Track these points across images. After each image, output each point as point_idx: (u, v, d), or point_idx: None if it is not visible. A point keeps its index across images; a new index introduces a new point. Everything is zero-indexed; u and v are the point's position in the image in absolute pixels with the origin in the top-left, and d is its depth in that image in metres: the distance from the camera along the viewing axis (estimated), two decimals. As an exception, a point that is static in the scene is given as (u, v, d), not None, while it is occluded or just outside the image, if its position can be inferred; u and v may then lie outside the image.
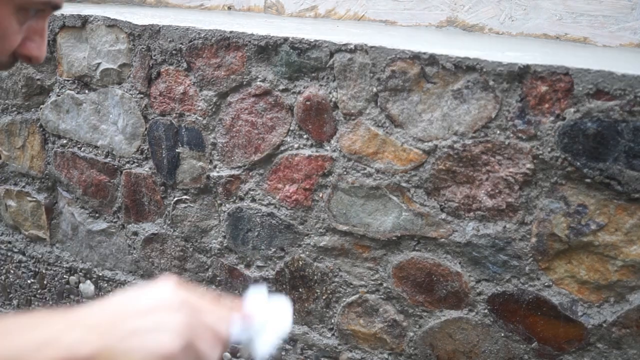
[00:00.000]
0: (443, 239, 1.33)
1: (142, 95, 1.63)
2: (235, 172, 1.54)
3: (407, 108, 1.29)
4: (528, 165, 1.20)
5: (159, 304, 0.61)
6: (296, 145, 1.44)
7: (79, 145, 1.79)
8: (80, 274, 1.92)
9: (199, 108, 1.54)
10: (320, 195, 1.44)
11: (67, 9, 1.74)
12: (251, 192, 1.53)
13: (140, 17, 1.64)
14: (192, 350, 0.60)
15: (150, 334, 0.59)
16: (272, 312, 0.76)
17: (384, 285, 1.43)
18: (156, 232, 1.71)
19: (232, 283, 1.64)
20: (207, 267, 1.67)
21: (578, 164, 1.16)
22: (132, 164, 1.71)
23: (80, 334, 0.57)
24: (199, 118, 1.55)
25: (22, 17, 0.70)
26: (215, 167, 1.57)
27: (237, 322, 0.71)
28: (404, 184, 1.34)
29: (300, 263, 1.52)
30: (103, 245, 1.83)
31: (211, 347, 0.63)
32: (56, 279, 1.98)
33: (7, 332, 0.57)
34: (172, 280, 0.65)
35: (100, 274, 1.87)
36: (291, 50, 1.37)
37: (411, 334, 1.44)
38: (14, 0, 0.67)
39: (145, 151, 1.67)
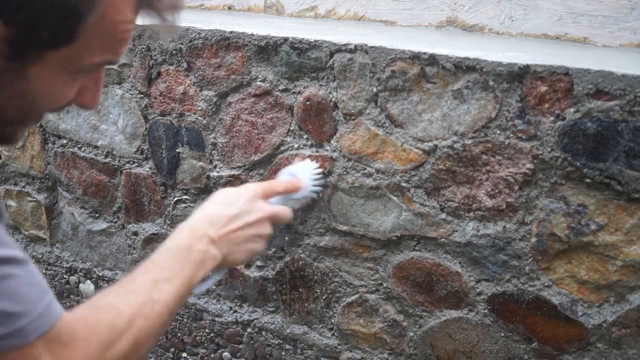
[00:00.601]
0: (443, 239, 1.33)
1: (142, 95, 1.63)
2: (235, 172, 1.54)
3: (407, 108, 1.29)
4: (528, 165, 1.20)
5: (255, 219, 0.94)
6: (296, 145, 1.44)
7: (79, 145, 1.79)
8: (80, 274, 1.92)
9: (199, 108, 1.54)
10: (320, 195, 1.44)
11: (67, 9, 1.74)
12: (251, 192, 1.53)
13: (140, 17, 1.64)
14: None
15: (251, 242, 0.95)
16: (308, 172, 1.21)
17: (384, 285, 1.43)
18: (156, 232, 1.71)
19: (232, 283, 1.64)
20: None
21: (578, 164, 1.16)
22: (132, 164, 1.71)
23: (215, 250, 0.88)
24: (199, 118, 1.55)
25: (77, 75, 0.69)
26: (215, 167, 1.57)
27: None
28: (404, 184, 1.34)
29: (300, 263, 1.52)
30: (103, 245, 1.83)
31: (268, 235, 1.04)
32: (56, 279, 1.98)
33: (174, 265, 0.82)
34: (256, 188, 0.99)
35: (101, 274, 1.87)
36: (291, 50, 1.37)
37: (411, 334, 1.44)
38: (67, 68, 0.66)
39: (145, 151, 1.67)
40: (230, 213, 0.91)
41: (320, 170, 1.25)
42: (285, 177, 1.12)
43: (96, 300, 0.78)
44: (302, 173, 1.15)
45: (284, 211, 0.99)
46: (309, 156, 1.41)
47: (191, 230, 0.87)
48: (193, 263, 0.83)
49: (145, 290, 0.78)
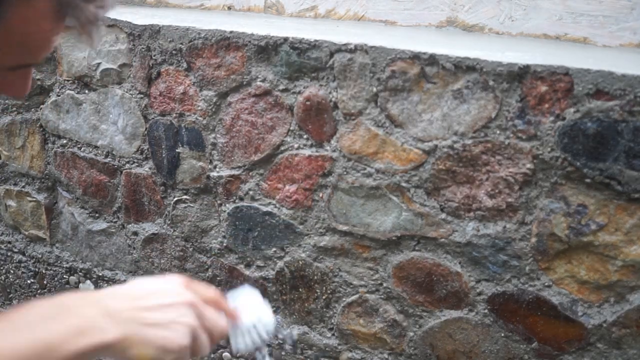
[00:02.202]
0: (443, 239, 1.33)
1: (142, 95, 1.63)
2: (235, 172, 1.54)
3: (407, 108, 1.29)
4: (528, 165, 1.20)
5: (177, 301, 0.71)
6: (296, 145, 1.44)
7: (79, 145, 1.79)
8: (80, 274, 1.92)
9: (199, 108, 1.54)
10: (320, 195, 1.44)
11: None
12: (251, 192, 1.53)
13: (140, 17, 1.65)
14: (196, 344, 0.72)
15: (165, 329, 0.68)
16: (256, 313, 0.84)
17: (384, 285, 1.43)
18: (156, 232, 1.71)
19: (232, 283, 1.64)
20: (207, 267, 1.67)
21: (578, 164, 1.16)
22: (132, 164, 1.71)
23: (108, 323, 0.65)
24: (199, 118, 1.55)
25: (2, 71, 0.71)
26: (215, 167, 1.57)
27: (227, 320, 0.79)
28: (404, 184, 1.34)
29: (300, 263, 1.52)
30: (103, 245, 1.83)
31: (208, 341, 0.74)
32: (56, 279, 1.98)
33: (40, 320, 0.62)
34: (182, 278, 0.76)
35: (100, 274, 1.87)
36: (291, 50, 1.37)
37: (411, 334, 1.44)
38: None
39: (145, 151, 1.67)
40: (142, 290, 0.72)
41: (269, 316, 0.88)
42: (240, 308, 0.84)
43: None
44: (249, 308, 0.85)
45: (215, 317, 0.76)
46: (309, 155, 1.41)
47: (84, 296, 0.68)
48: (66, 326, 0.62)
49: None
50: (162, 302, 0.70)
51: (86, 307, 0.66)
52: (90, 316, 0.65)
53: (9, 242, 2.07)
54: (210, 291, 0.80)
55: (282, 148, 1.46)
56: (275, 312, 1.61)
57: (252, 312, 0.84)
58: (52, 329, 0.62)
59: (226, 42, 1.45)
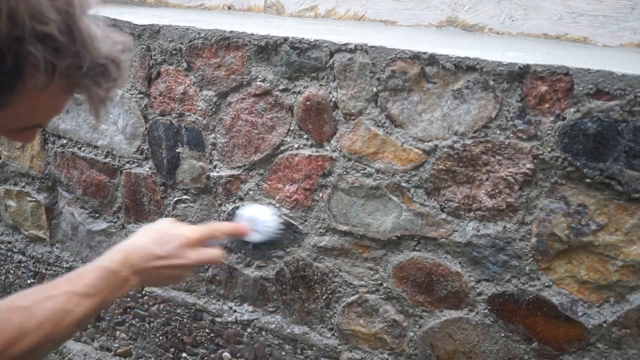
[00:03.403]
0: (443, 239, 1.33)
1: (142, 95, 1.63)
2: (235, 172, 1.54)
3: (407, 108, 1.29)
4: (528, 165, 1.20)
5: (180, 264, 0.99)
6: (296, 145, 1.44)
7: (79, 145, 1.79)
8: (80, 274, 1.92)
9: (199, 108, 1.54)
10: (320, 195, 1.44)
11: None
12: (251, 192, 1.53)
13: (140, 17, 1.64)
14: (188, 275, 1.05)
15: (171, 279, 1.02)
16: (260, 212, 1.13)
17: (384, 285, 1.43)
18: (156, 232, 1.71)
19: (232, 283, 1.64)
20: (207, 267, 1.67)
21: (578, 164, 1.16)
22: (132, 164, 1.71)
23: (136, 279, 0.94)
24: (199, 118, 1.55)
25: (11, 132, 0.78)
26: (215, 167, 1.57)
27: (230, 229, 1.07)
28: (404, 184, 1.34)
29: (300, 263, 1.52)
30: (103, 245, 1.83)
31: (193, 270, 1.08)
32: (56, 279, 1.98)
33: (102, 286, 0.90)
34: (192, 237, 1.01)
35: (100, 274, 1.87)
36: (291, 50, 1.37)
37: (411, 334, 1.44)
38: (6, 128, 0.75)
39: (145, 151, 1.67)
40: (159, 253, 0.99)
41: (277, 213, 1.20)
42: (241, 219, 1.13)
43: (13, 300, 0.86)
44: (261, 215, 1.14)
45: (212, 256, 1.05)
46: (309, 155, 1.41)
47: (124, 258, 0.96)
48: (113, 287, 0.93)
49: (62, 300, 0.87)
50: (173, 264, 0.98)
51: (126, 271, 0.93)
52: (128, 277, 0.93)
53: (9, 242, 2.07)
54: (219, 233, 1.06)
55: (282, 148, 1.46)
56: (275, 312, 1.61)
57: (254, 219, 1.11)
58: (107, 293, 0.90)
59: (226, 42, 1.45)
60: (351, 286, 1.47)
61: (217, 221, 1.10)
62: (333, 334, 1.54)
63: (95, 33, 0.67)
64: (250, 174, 1.52)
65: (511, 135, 1.20)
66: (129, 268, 0.95)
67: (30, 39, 0.61)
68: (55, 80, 0.65)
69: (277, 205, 1.49)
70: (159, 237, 1.01)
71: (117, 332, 1.91)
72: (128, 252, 0.97)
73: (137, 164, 1.70)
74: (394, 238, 1.38)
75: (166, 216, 1.68)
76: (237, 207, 1.13)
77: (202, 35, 1.48)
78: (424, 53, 1.24)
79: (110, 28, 0.71)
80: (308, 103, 1.39)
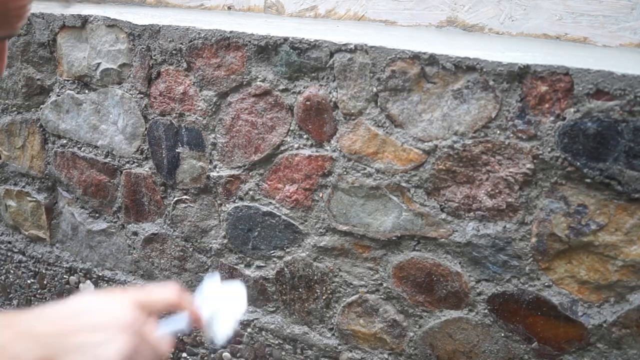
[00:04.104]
0: (443, 239, 1.33)
1: (142, 95, 1.63)
2: (235, 172, 1.54)
3: (407, 108, 1.29)
4: (528, 165, 1.20)
5: (107, 322, 0.61)
6: (296, 145, 1.44)
7: (79, 145, 1.79)
8: (80, 274, 1.92)
9: (199, 108, 1.54)
10: (320, 195, 1.44)
11: (68, 9, 1.74)
12: (251, 192, 1.53)
13: (140, 17, 1.65)
14: None
15: (93, 351, 0.59)
16: (225, 299, 0.79)
17: (384, 285, 1.43)
18: (156, 232, 1.71)
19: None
20: (207, 267, 1.67)
21: (578, 164, 1.16)
22: (132, 164, 1.71)
23: (25, 346, 0.58)
24: (199, 118, 1.55)
25: None
26: (215, 167, 1.57)
27: (187, 317, 0.73)
28: (404, 184, 1.34)
29: (300, 263, 1.52)
30: (103, 245, 1.83)
31: None
32: (56, 279, 1.98)
33: None
34: (123, 297, 0.65)
35: (100, 274, 1.87)
36: (291, 50, 1.37)
37: (411, 334, 1.44)
38: None
39: (145, 151, 1.67)
40: (73, 308, 0.63)
41: (241, 293, 0.83)
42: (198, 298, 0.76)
43: None
44: (216, 297, 0.79)
45: (158, 341, 0.66)
46: (309, 155, 1.41)
47: (7, 321, 0.61)
48: None
49: None
50: (91, 322, 0.62)
51: (4, 332, 0.59)
52: (2, 339, 0.59)
53: (9, 242, 2.07)
54: (167, 296, 0.70)
55: (282, 148, 1.46)
56: (275, 312, 1.61)
57: (217, 303, 0.79)
58: None
59: (226, 42, 1.45)
60: (351, 286, 1.47)
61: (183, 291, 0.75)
62: (333, 334, 1.54)
63: None
64: (250, 174, 1.52)
65: (511, 135, 1.20)
66: (7, 328, 0.59)
67: None
68: None
69: (277, 204, 1.49)
70: (76, 298, 0.65)
71: (117, 332, 1.91)
72: (16, 314, 0.62)
73: (137, 164, 1.70)
74: (394, 238, 1.38)
75: (166, 216, 1.68)
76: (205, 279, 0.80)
77: (202, 35, 1.48)
78: (424, 53, 1.24)
79: None
80: (308, 103, 1.39)
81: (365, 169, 1.37)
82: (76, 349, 0.60)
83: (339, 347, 1.54)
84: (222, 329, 0.77)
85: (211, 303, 0.77)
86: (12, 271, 2.10)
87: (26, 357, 0.58)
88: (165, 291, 0.69)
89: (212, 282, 0.81)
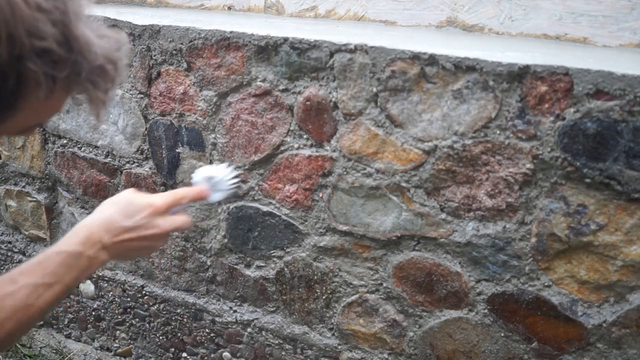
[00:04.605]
0: (443, 239, 1.33)
1: (142, 95, 1.63)
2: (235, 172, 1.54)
3: (407, 108, 1.29)
4: (528, 165, 1.21)
5: (150, 234, 0.96)
6: (296, 145, 1.44)
7: (79, 145, 1.79)
8: (81, 274, 1.92)
9: (199, 108, 1.54)
10: (320, 195, 1.44)
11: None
12: (251, 192, 1.53)
13: (140, 17, 1.65)
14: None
15: (141, 251, 0.98)
16: (216, 170, 1.14)
17: (384, 285, 1.43)
18: (156, 232, 1.71)
19: (232, 283, 1.64)
20: (207, 267, 1.67)
21: (578, 164, 1.16)
22: (132, 164, 1.71)
23: (105, 255, 0.91)
24: (199, 118, 1.55)
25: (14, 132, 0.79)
26: (215, 167, 1.57)
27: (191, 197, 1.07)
28: (404, 184, 1.34)
29: (300, 263, 1.52)
30: (103, 245, 1.83)
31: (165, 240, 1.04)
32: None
33: (64, 270, 0.86)
34: (159, 205, 0.98)
35: (100, 274, 1.87)
36: (291, 51, 1.37)
37: (411, 333, 1.44)
38: (9, 132, 0.76)
39: (146, 151, 1.67)
40: (128, 225, 0.94)
41: (232, 168, 1.22)
42: (199, 182, 1.14)
43: None
44: (217, 174, 1.16)
45: (182, 224, 1.01)
46: (309, 155, 1.42)
47: (86, 237, 0.91)
48: (79, 269, 0.88)
49: (23, 295, 0.83)
50: (143, 235, 0.95)
51: (91, 249, 0.90)
52: (94, 256, 0.90)
53: (9, 242, 2.07)
54: (183, 198, 1.04)
55: (282, 148, 1.46)
56: (275, 312, 1.61)
57: (215, 183, 1.13)
58: (73, 276, 0.87)
59: (226, 42, 1.45)
60: (351, 286, 1.47)
61: (181, 189, 1.07)
62: (333, 334, 1.54)
63: (91, 38, 0.67)
64: (250, 174, 1.52)
65: (511, 135, 1.20)
66: (95, 245, 0.90)
67: (29, 56, 0.62)
68: (56, 90, 0.66)
69: (277, 204, 1.49)
70: (125, 208, 0.96)
71: (117, 332, 1.91)
72: (92, 228, 0.92)
73: (137, 164, 1.70)
74: (393, 238, 1.38)
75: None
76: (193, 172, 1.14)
77: (202, 35, 1.48)
78: (424, 53, 1.24)
79: (104, 25, 0.72)
80: (308, 103, 1.39)
81: (365, 169, 1.37)
82: (133, 251, 0.97)
83: (339, 347, 1.54)
84: (220, 180, 1.13)
85: (205, 176, 1.13)
86: (12, 271, 2.10)
87: (105, 261, 0.91)
88: (179, 196, 1.03)
89: (213, 168, 1.16)
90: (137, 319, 1.86)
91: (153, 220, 0.97)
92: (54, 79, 0.64)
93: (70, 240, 0.91)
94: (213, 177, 1.15)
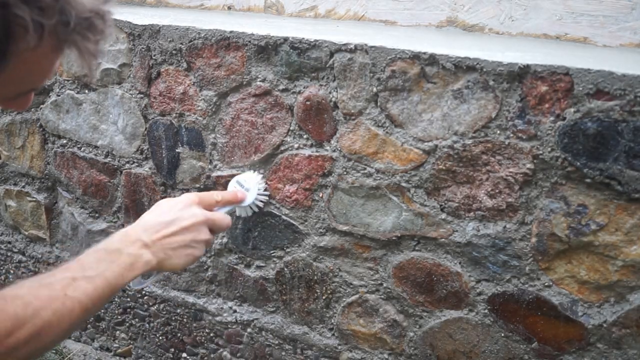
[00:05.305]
0: (443, 239, 1.33)
1: (142, 95, 1.63)
2: (235, 171, 1.54)
3: (407, 108, 1.29)
4: (528, 165, 1.20)
5: (191, 223, 0.95)
6: (296, 145, 1.44)
7: (79, 145, 1.79)
8: (80, 274, 1.92)
9: (199, 108, 1.54)
10: (320, 195, 1.44)
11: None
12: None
13: (140, 17, 1.65)
14: (209, 244, 1.01)
15: (187, 247, 0.95)
16: (253, 181, 1.26)
17: (384, 285, 1.43)
18: (156, 232, 1.71)
19: (232, 283, 1.64)
20: (207, 267, 1.67)
21: (578, 164, 1.16)
22: (132, 164, 1.71)
23: (147, 254, 0.89)
24: (199, 118, 1.55)
25: (8, 98, 0.79)
26: (215, 167, 1.57)
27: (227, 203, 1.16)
28: (404, 184, 1.34)
29: (300, 263, 1.52)
30: (103, 245, 1.83)
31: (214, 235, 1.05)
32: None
33: (103, 266, 0.84)
34: (192, 195, 0.99)
35: (100, 274, 1.87)
36: (291, 50, 1.37)
37: (411, 334, 1.44)
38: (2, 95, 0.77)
39: (145, 151, 1.67)
40: (165, 219, 0.94)
41: (264, 181, 1.31)
42: (232, 187, 1.17)
43: (7, 291, 0.82)
44: (248, 183, 1.21)
45: (222, 218, 1.01)
46: (309, 155, 1.42)
47: (123, 236, 0.90)
48: (120, 265, 0.86)
49: (60, 286, 0.82)
50: (182, 226, 0.94)
51: (130, 247, 0.88)
52: (135, 253, 0.88)
53: (9, 242, 2.07)
54: (216, 195, 1.07)
55: (282, 148, 1.46)
56: (275, 312, 1.61)
57: (247, 188, 1.22)
58: (114, 271, 0.84)
59: (226, 42, 1.45)
60: (351, 286, 1.47)
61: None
62: (333, 334, 1.54)
63: None
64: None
65: (511, 135, 1.20)
66: (134, 244, 0.90)
67: (15, 2, 0.62)
68: (44, 40, 0.66)
69: (277, 204, 1.49)
70: (158, 209, 0.98)
71: (117, 332, 1.91)
72: (129, 229, 0.92)
73: (137, 164, 1.70)
74: (394, 238, 1.38)
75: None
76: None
77: (202, 35, 1.48)
78: (424, 53, 1.24)
79: None
80: (308, 103, 1.39)
81: (365, 169, 1.37)
82: (178, 248, 0.93)
83: (339, 347, 1.54)
84: (249, 200, 1.22)
85: (238, 181, 1.24)
86: (12, 271, 2.10)
87: (149, 264, 0.88)
88: (213, 193, 1.06)
89: (240, 176, 1.26)
90: (136, 319, 1.86)
91: (189, 210, 0.96)
92: (41, 26, 0.64)
93: (108, 241, 0.90)
94: (241, 182, 1.21)
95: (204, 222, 0.97)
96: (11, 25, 0.63)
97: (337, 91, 1.35)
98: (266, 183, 1.44)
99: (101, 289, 0.84)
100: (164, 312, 1.79)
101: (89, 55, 0.72)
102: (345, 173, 1.39)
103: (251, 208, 1.23)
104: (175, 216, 0.95)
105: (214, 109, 1.52)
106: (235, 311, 1.66)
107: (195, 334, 1.75)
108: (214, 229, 1.01)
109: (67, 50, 0.72)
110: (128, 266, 0.87)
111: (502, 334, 1.33)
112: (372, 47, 1.28)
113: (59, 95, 1.78)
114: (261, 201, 1.30)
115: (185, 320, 1.76)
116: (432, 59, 1.23)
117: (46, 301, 0.80)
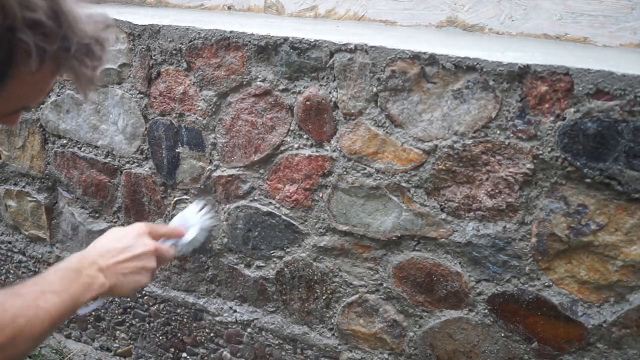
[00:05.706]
0: (443, 239, 1.33)
1: (142, 95, 1.63)
2: (235, 171, 1.54)
3: (407, 108, 1.29)
4: (528, 165, 1.20)
5: (142, 252, 1.00)
6: (296, 145, 1.44)
7: (79, 145, 1.79)
8: (80, 274, 1.92)
9: (199, 108, 1.54)
10: (320, 195, 1.44)
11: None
12: (251, 192, 1.53)
13: (140, 17, 1.64)
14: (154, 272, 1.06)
15: (136, 274, 1.00)
16: (196, 216, 1.22)
17: (384, 285, 1.43)
18: (156, 232, 1.71)
19: (232, 283, 1.64)
20: (207, 267, 1.67)
21: (578, 164, 1.16)
22: (132, 164, 1.71)
23: (102, 278, 0.94)
24: (199, 118, 1.55)
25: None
26: (215, 167, 1.57)
27: (171, 239, 1.16)
28: (404, 184, 1.34)
29: (300, 263, 1.52)
30: (103, 245, 1.83)
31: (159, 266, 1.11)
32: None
33: (64, 285, 0.89)
34: (143, 226, 1.05)
35: (100, 274, 1.87)
36: (291, 50, 1.37)
37: (411, 334, 1.44)
38: None
39: (145, 151, 1.67)
40: (118, 246, 0.99)
41: (208, 210, 1.29)
42: (175, 223, 1.21)
43: None
44: (193, 219, 1.23)
45: (168, 250, 1.08)
46: (309, 154, 1.42)
47: (82, 258, 0.95)
48: (81, 284, 0.91)
49: (32, 297, 0.86)
50: (134, 254, 0.99)
51: (88, 268, 0.93)
52: (92, 275, 0.93)
53: (9, 242, 2.07)
54: (161, 228, 1.13)
55: (282, 148, 1.46)
56: (275, 312, 1.61)
57: (190, 224, 1.21)
58: (77, 289, 0.90)
59: (226, 42, 1.45)
60: (351, 286, 1.47)
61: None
62: (333, 334, 1.54)
63: (79, 14, 0.70)
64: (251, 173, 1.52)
65: (511, 135, 1.20)
66: (91, 266, 0.94)
67: (21, 27, 0.63)
68: (45, 64, 0.68)
69: (277, 204, 1.49)
70: (113, 235, 1.02)
71: (117, 332, 1.91)
72: (86, 253, 0.97)
73: (137, 164, 1.70)
74: (394, 238, 1.38)
75: (166, 216, 1.68)
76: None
77: (202, 35, 1.48)
78: (424, 53, 1.24)
79: (89, 6, 0.74)
80: (308, 103, 1.39)
81: (365, 169, 1.37)
82: (126, 276, 0.98)
83: (339, 347, 1.54)
84: (190, 236, 1.19)
85: (185, 221, 1.22)
86: (12, 271, 2.10)
87: (104, 286, 0.93)
88: (159, 226, 1.13)
89: (187, 210, 1.24)
90: (137, 319, 1.86)
91: (141, 239, 1.02)
92: (44, 51, 0.66)
93: (67, 261, 0.94)
94: (185, 216, 1.22)
95: (154, 252, 1.03)
96: (15, 49, 0.65)
97: (337, 91, 1.35)
98: (213, 216, 1.39)
99: (67, 304, 0.89)
100: (164, 312, 1.79)
101: (86, 81, 0.74)
102: (345, 173, 1.39)
103: (192, 244, 1.24)
104: (129, 244, 1.00)
105: (214, 109, 1.52)
106: (235, 311, 1.66)
107: (195, 333, 1.75)
108: (160, 260, 1.08)
109: (64, 73, 0.74)
110: (87, 286, 0.92)
111: (502, 334, 1.33)
112: (372, 47, 1.28)
113: (59, 95, 1.78)
114: (204, 233, 1.26)
115: (185, 320, 1.76)
116: (432, 59, 1.23)
117: (20, 309, 0.84)
